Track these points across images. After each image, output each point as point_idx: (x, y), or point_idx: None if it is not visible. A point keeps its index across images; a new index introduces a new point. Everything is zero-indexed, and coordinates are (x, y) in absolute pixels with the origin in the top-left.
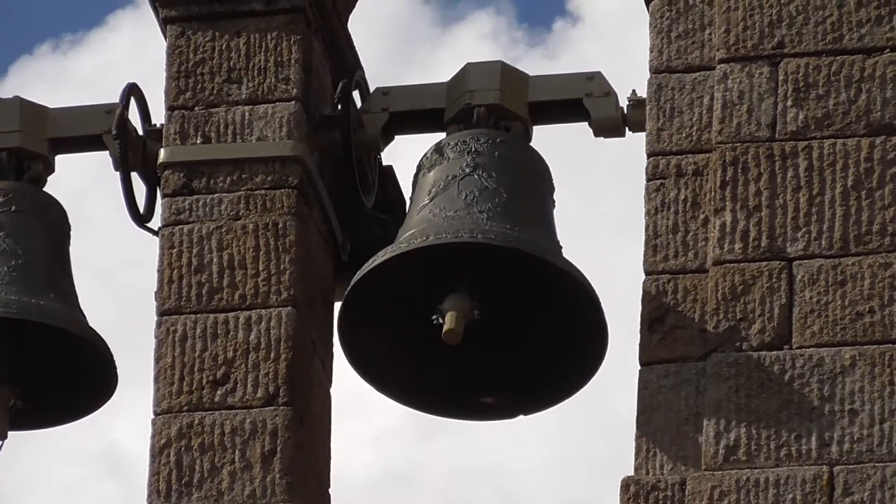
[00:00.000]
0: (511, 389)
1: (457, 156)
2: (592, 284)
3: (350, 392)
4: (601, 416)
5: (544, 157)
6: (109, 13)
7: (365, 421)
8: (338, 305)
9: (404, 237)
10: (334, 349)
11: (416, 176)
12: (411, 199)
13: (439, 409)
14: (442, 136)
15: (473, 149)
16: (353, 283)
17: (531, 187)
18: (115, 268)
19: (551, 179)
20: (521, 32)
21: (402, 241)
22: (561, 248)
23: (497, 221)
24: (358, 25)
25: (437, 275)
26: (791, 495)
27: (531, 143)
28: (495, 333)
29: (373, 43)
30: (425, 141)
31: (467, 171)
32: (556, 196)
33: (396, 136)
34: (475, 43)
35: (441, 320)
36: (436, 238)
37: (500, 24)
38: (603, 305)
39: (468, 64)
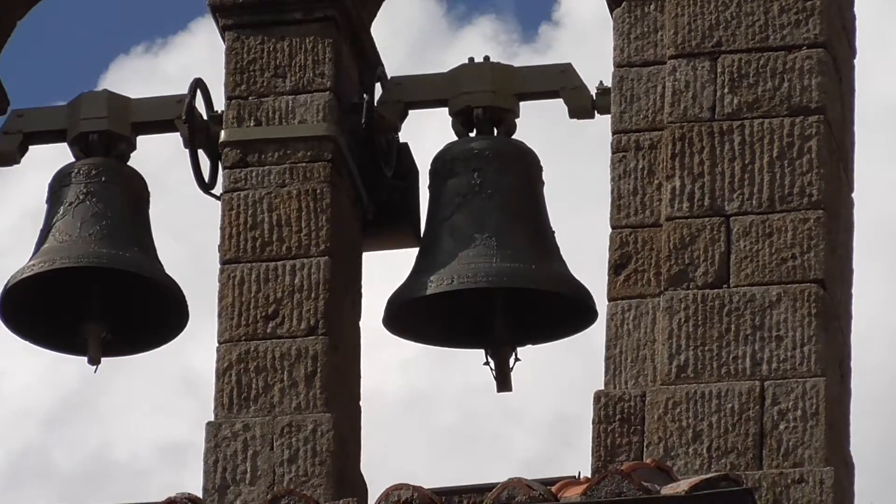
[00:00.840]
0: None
1: (465, 171)
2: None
3: (378, 328)
4: (579, 344)
5: (532, 141)
6: (192, 20)
7: (391, 351)
8: (365, 255)
9: (439, 271)
10: (362, 291)
11: (433, 179)
12: (430, 207)
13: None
14: (445, 112)
15: (480, 166)
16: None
17: (532, 188)
18: (187, 226)
19: (540, 167)
20: (515, 34)
21: (439, 273)
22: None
23: (520, 243)
24: (381, 30)
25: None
26: (730, 405)
27: (518, 130)
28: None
29: (394, 43)
30: (431, 118)
31: (476, 189)
32: (547, 177)
33: (410, 111)
34: (480, 43)
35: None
36: (459, 283)
37: (499, 27)
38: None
39: (463, 65)
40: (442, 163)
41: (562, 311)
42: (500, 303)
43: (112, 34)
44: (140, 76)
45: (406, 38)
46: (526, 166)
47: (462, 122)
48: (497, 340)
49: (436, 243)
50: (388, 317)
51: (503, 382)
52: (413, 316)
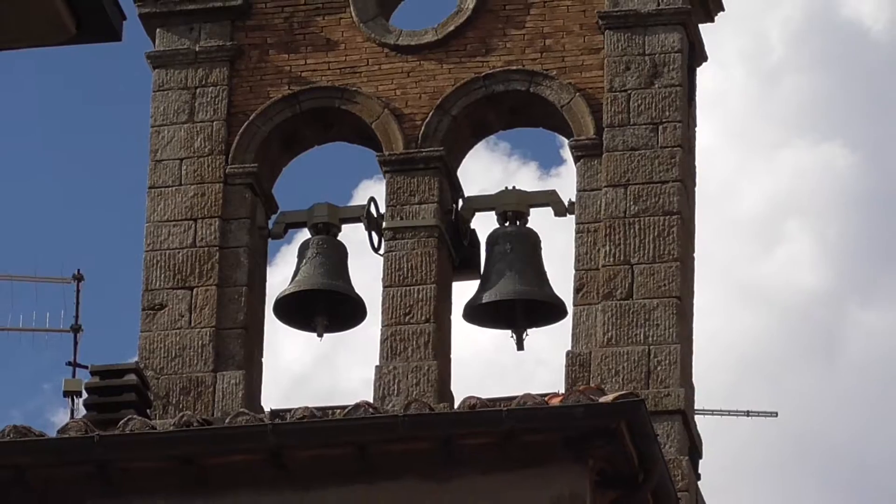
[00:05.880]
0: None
1: (503, 242)
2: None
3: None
4: (560, 327)
5: (537, 226)
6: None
7: (472, 333)
8: (454, 284)
9: (489, 290)
10: (452, 300)
11: (487, 246)
12: (486, 260)
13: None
14: (493, 214)
15: (510, 240)
16: (479, 301)
17: (536, 250)
18: (366, 270)
19: (540, 240)
20: (540, 171)
21: (489, 291)
22: (547, 283)
23: (529, 277)
24: (471, 168)
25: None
26: (633, 357)
27: (529, 222)
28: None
29: (474, 179)
30: (487, 216)
31: (508, 251)
32: (543, 245)
33: (476, 213)
34: (526, 174)
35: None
36: (500, 296)
37: (532, 166)
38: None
39: (502, 191)
40: (492, 238)
41: (549, 311)
42: (519, 307)
43: (361, 167)
44: (379, 196)
45: (484, 173)
46: (533, 240)
47: (501, 219)
48: (516, 325)
49: (488, 278)
50: (465, 314)
51: (520, 346)
52: (477, 313)
